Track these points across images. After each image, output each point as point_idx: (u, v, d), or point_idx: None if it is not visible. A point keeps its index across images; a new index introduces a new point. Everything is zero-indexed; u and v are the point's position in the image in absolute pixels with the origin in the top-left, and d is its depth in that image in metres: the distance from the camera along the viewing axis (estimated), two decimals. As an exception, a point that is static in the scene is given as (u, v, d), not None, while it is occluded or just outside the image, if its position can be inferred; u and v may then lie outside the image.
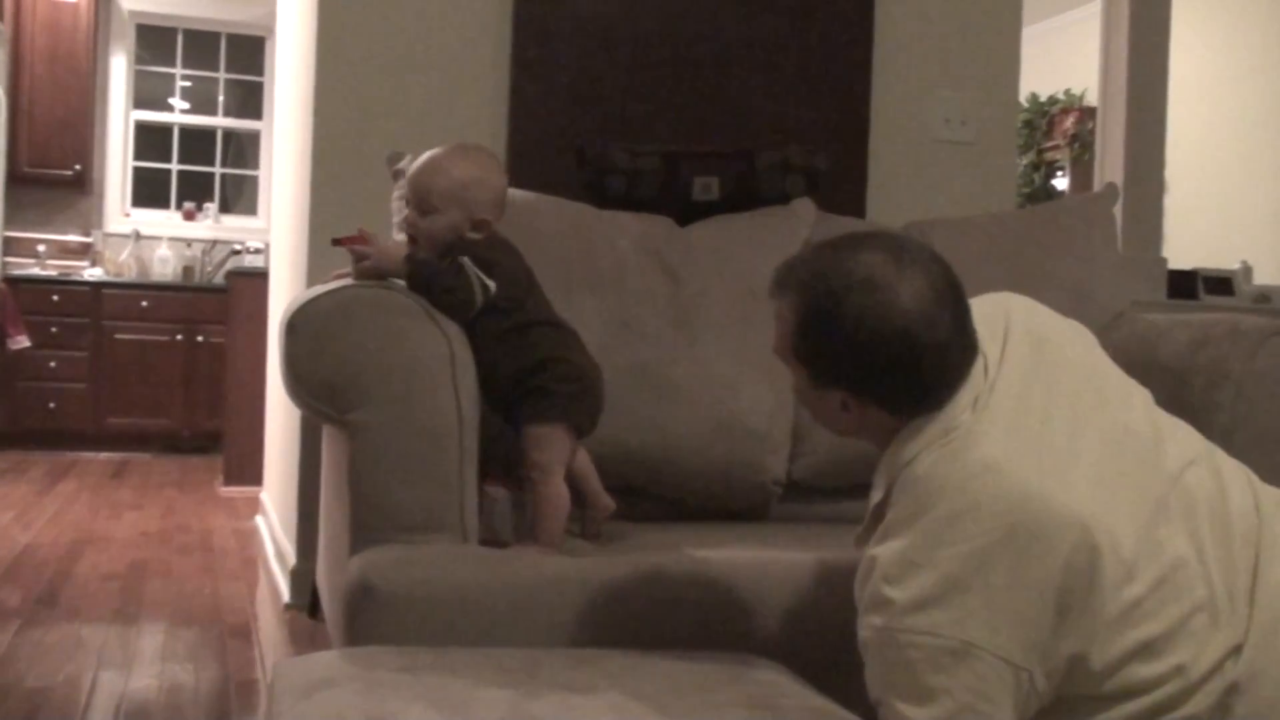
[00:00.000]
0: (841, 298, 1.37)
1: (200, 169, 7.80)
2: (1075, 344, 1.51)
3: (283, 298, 3.86)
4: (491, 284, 1.87)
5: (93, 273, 7.10)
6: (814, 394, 1.46)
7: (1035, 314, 1.53)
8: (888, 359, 1.37)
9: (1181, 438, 1.47)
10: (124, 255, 7.30)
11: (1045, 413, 1.39)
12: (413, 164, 2.30)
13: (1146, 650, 1.29)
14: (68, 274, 7.01)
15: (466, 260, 1.86)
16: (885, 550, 1.34)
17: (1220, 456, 1.47)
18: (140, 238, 7.37)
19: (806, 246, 1.47)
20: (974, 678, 1.27)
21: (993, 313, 1.48)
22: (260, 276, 5.26)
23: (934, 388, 1.39)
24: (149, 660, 2.78)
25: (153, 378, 6.86)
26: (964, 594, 1.28)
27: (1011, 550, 1.28)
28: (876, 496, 1.43)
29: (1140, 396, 1.50)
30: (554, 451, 1.89)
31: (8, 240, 6.86)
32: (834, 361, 1.41)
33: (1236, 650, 1.31)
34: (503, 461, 1.92)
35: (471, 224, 1.90)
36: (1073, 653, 1.29)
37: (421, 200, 1.90)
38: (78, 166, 7.10)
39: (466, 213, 1.90)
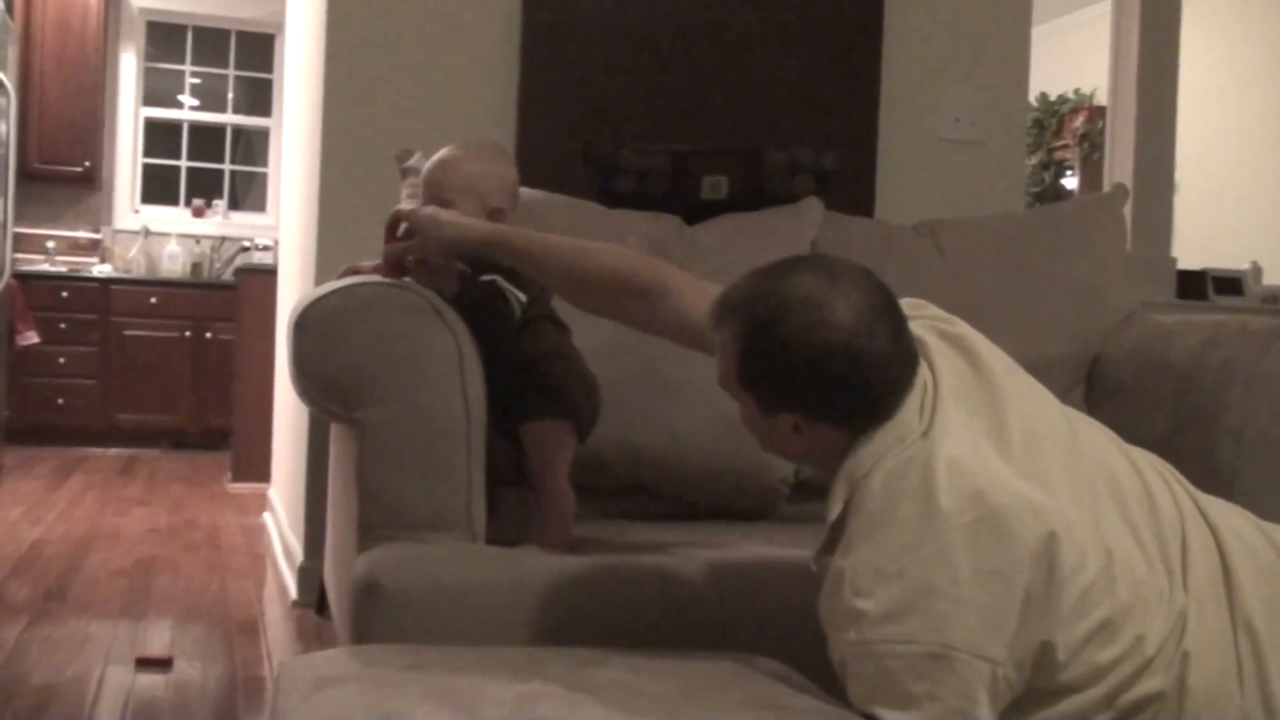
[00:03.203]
0: (780, 319, 1.38)
1: (209, 166, 7.81)
2: (981, 342, 1.52)
3: (291, 295, 3.86)
4: (523, 296, 1.90)
5: (102, 269, 7.12)
6: (764, 421, 1.45)
7: (939, 318, 1.55)
8: (833, 375, 1.37)
9: (1091, 429, 1.50)
10: (133, 252, 7.31)
11: (987, 410, 1.41)
12: (423, 162, 2.31)
13: (1104, 631, 1.30)
14: (77, 270, 7.03)
15: (499, 279, 1.88)
16: (851, 562, 1.34)
17: (1124, 444, 1.50)
18: (149, 234, 7.39)
19: (740, 278, 1.47)
20: (956, 679, 1.27)
21: (922, 346, 1.49)
22: (269, 273, 5.27)
23: (882, 398, 1.39)
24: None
25: (161, 374, 6.87)
26: (935, 598, 1.28)
27: (977, 545, 1.29)
28: (835, 511, 1.42)
29: (1047, 392, 1.52)
30: (558, 449, 1.89)
31: (17, 236, 6.86)
32: (780, 384, 1.41)
33: (1183, 619, 1.34)
34: (510, 460, 1.92)
35: (487, 215, 1.92)
36: (1040, 641, 1.30)
37: (437, 197, 1.92)
38: (87, 163, 7.12)
39: (481, 204, 1.91)
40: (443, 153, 1.96)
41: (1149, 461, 1.50)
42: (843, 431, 1.41)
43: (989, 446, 1.37)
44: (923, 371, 1.44)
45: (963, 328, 1.54)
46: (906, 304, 1.52)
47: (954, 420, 1.38)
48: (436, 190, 1.92)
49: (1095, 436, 1.48)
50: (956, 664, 1.27)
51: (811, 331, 1.36)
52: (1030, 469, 1.36)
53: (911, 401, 1.41)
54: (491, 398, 1.89)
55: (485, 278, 1.88)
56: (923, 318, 1.53)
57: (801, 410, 1.41)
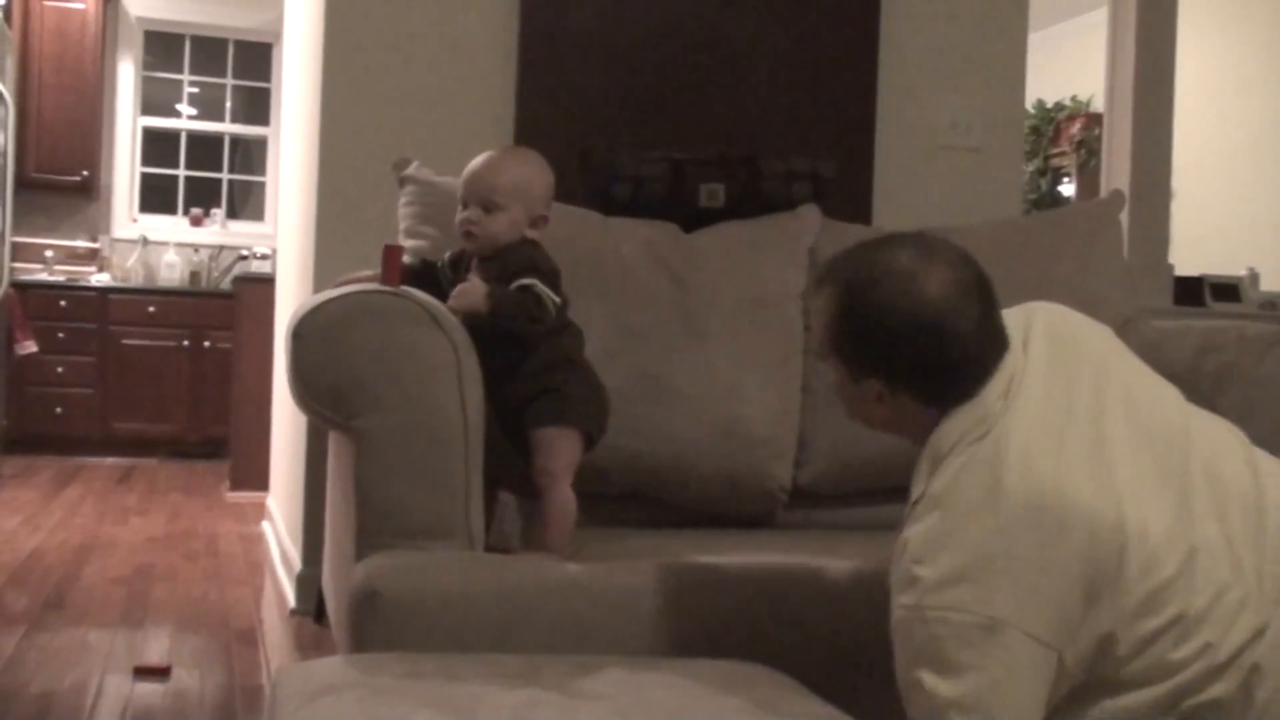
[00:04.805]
0: (873, 286, 1.44)
1: (207, 175, 7.82)
2: (1100, 344, 1.55)
3: (289, 303, 3.86)
4: (558, 299, 1.91)
5: (100, 278, 7.11)
6: (851, 388, 1.51)
7: (1058, 316, 1.57)
8: (916, 346, 1.43)
9: (1216, 433, 1.50)
10: (131, 261, 7.31)
11: (1069, 407, 1.43)
12: (421, 171, 2.31)
13: (1174, 630, 1.31)
14: (75, 279, 7.02)
15: (535, 283, 1.88)
16: (915, 531, 1.38)
17: (1260, 454, 1.50)
18: (147, 243, 7.38)
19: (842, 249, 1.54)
20: (1003, 653, 1.29)
21: (1015, 320, 1.53)
22: (267, 282, 5.27)
23: (963, 377, 1.44)
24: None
25: (159, 383, 6.87)
26: (992, 571, 1.31)
27: (1036, 530, 1.32)
28: (918, 489, 1.45)
29: (1172, 393, 1.53)
30: (565, 456, 1.89)
31: (15, 245, 6.87)
32: (867, 350, 1.46)
33: (1261, 633, 1.33)
34: (511, 467, 1.92)
35: (530, 221, 1.95)
36: (1100, 634, 1.31)
37: (485, 199, 1.93)
38: (85, 172, 7.11)
39: (526, 209, 1.94)
40: (488, 155, 1.98)
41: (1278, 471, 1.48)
42: (924, 405, 1.46)
43: (1062, 444, 1.38)
44: (1014, 358, 1.47)
45: (1081, 327, 1.56)
46: (1019, 308, 1.55)
47: (1034, 411, 1.41)
48: (485, 192, 1.93)
49: (1215, 438, 1.48)
50: (1004, 637, 1.29)
51: (900, 301, 1.42)
52: (1110, 466, 1.37)
53: (996, 385, 1.44)
54: (506, 403, 1.89)
55: (522, 281, 1.89)
56: (1039, 311, 1.56)
57: (885, 378, 1.46)
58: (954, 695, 1.30)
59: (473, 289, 1.87)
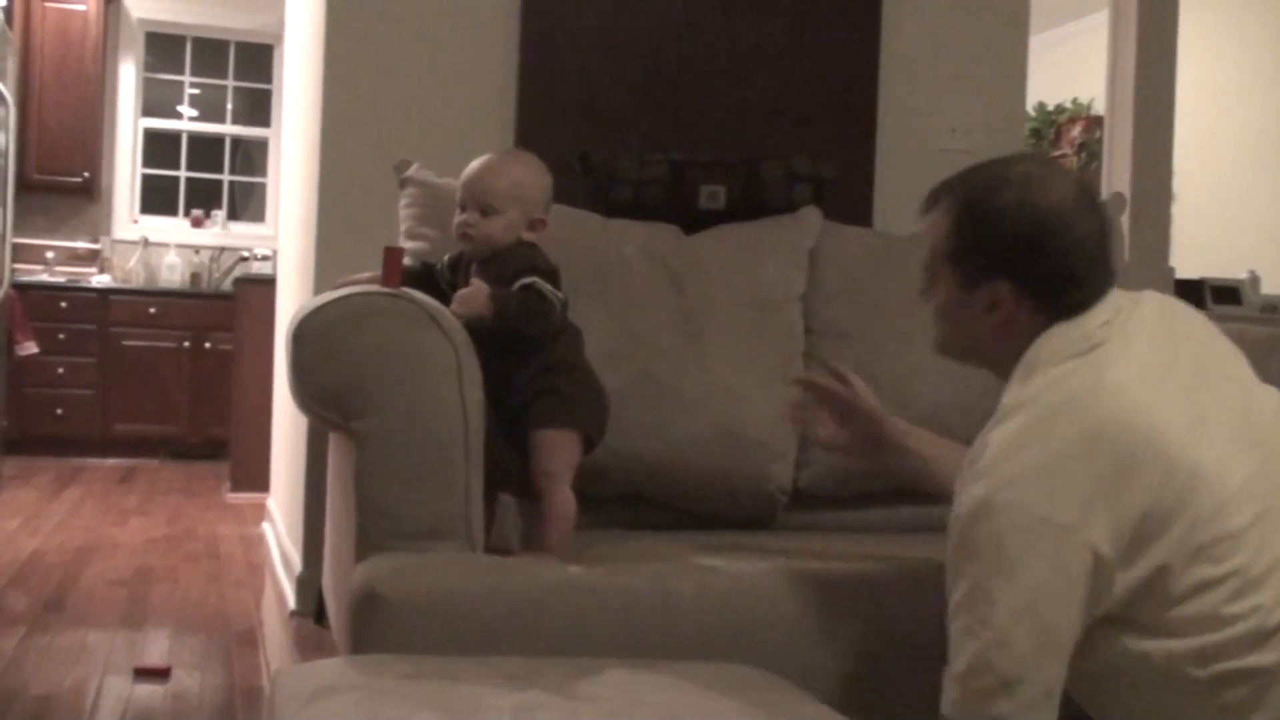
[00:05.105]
0: (996, 192, 1.50)
1: (208, 176, 7.82)
2: (1202, 329, 1.58)
3: (290, 305, 3.87)
4: (562, 296, 1.92)
5: (101, 279, 7.12)
6: (961, 299, 1.53)
7: (1168, 300, 1.60)
8: (1041, 244, 1.47)
9: None
10: (132, 262, 7.31)
11: (1169, 365, 1.46)
12: (421, 173, 2.32)
13: (1231, 583, 1.33)
14: (76, 280, 7.03)
15: (538, 280, 1.89)
16: (999, 430, 1.41)
17: None
18: (148, 244, 7.39)
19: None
20: (1058, 557, 1.33)
21: (1125, 292, 1.56)
22: (268, 284, 5.27)
23: (1079, 283, 1.48)
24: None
25: (160, 384, 6.87)
26: (1065, 476, 1.35)
27: (1117, 450, 1.35)
28: (1007, 398, 1.47)
29: (1273, 394, 1.55)
30: (564, 458, 1.89)
31: (16, 247, 6.86)
32: (992, 251, 1.49)
33: None
34: (511, 469, 1.92)
35: (528, 223, 1.96)
36: (1158, 566, 1.33)
37: (483, 202, 1.94)
38: (86, 173, 7.12)
39: (524, 212, 1.95)
40: (485, 158, 1.99)
41: None
42: (1033, 314, 1.48)
43: (1163, 385, 1.41)
44: (1123, 299, 1.50)
45: (1189, 312, 1.59)
46: (1150, 291, 1.59)
47: (1137, 351, 1.44)
48: (483, 195, 1.94)
49: None
50: (1064, 543, 1.33)
51: (1026, 198, 1.47)
52: (1198, 420, 1.39)
53: (1101, 312, 1.47)
54: (506, 405, 1.89)
55: (524, 281, 1.89)
56: (1149, 291, 1.59)
57: (1007, 277, 1.48)
58: (1005, 593, 1.33)
59: (475, 294, 1.87)
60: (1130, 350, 1.44)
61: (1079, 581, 1.33)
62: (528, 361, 1.91)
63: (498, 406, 1.87)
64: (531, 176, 1.99)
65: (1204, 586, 1.33)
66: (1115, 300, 1.50)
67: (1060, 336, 1.46)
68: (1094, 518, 1.33)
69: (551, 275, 1.92)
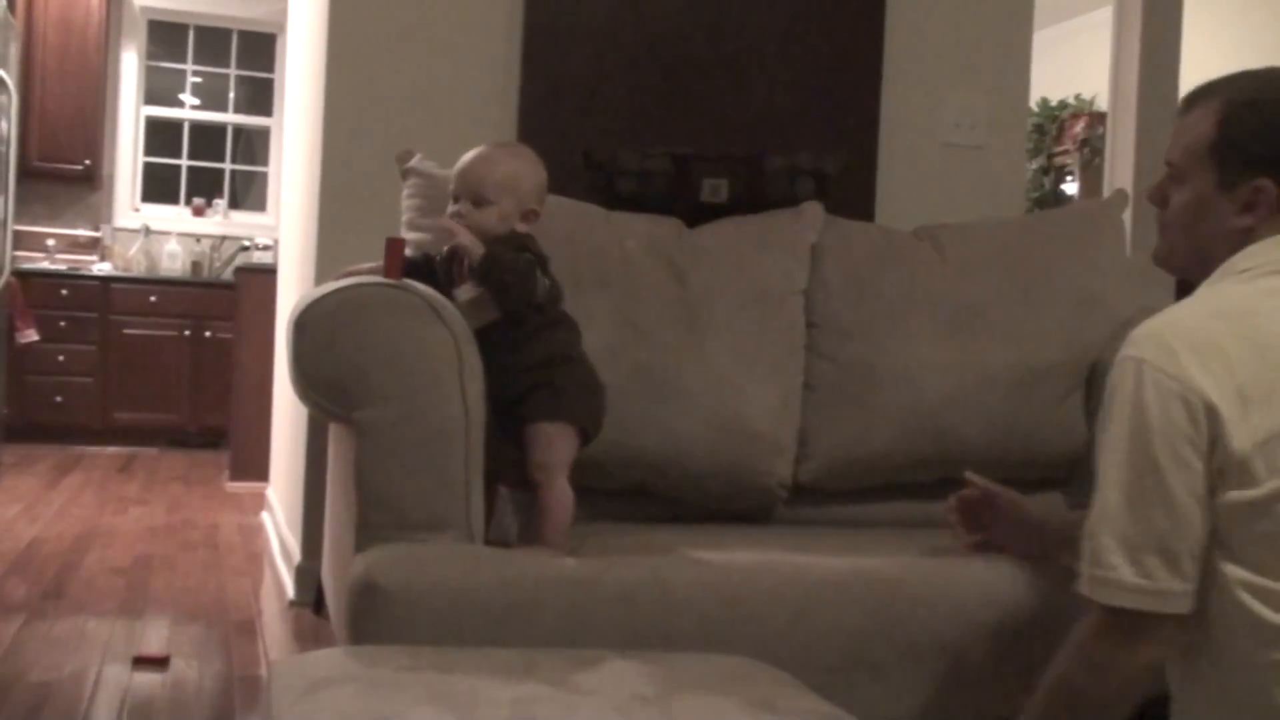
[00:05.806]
0: (1266, 88, 1.50)
1: (210, 165, 7.81)
2: None
3: (291, 294, 3.86)
4: (547, 281, 1.92)
5: (102, 267, 7.12)
6: (1214, 198, 1.52)
7: None
8: None
9: None
10: (133, 250, 7.31)
11: None
12: (424, 164, 2.31)
13: None
14: (77, 268, 7.03)
15: (531, 256, 1.91)
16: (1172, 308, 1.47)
17: None
18: (149, 233, 7.38)
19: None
20: (1184, 418, 1.36)
21: None
22: (269, 273, 5.27)
23: None
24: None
25: (160, 373, 6.87)
26: (1200, 353, 1.38)
27: (1261, 350, 1.38)
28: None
29: None
30: (560, 451, 1.89)
31: (17, 234, 6.86)
32: (1257, 147, 1.49)
33: None
34: (510, 461, 1.92)
35: (521, 215, 1.97)
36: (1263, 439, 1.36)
37: (476, 193, 1.95)
38: (88, 161, 7.11)
39: (517, 203, 1.96)
40: (479, 149, 2.00)
41: None
42: None
43: None
44: None
45: None
46: None
47: None
48: (476, 186, 1.95)
49: None
50: (1187, 404, 1.37)
51: None
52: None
53: None
54: (502, 397, 1.89)
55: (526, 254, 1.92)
56: None
57: (1273, 175, 1.48)
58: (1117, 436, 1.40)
59: (472, 242, 1.89)
60: None
61: (1200, 444, 1.37)
62: (524, 354, 1.91)
63: (493, 398, 1.87)
64: (525, 168, 2.00)
65: None
66: None
67: (1268, 250, 1.47)
68: (1214, 383, 1.36)
69: (542, 264, 1.93)
